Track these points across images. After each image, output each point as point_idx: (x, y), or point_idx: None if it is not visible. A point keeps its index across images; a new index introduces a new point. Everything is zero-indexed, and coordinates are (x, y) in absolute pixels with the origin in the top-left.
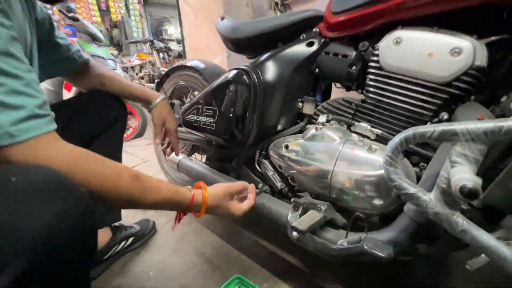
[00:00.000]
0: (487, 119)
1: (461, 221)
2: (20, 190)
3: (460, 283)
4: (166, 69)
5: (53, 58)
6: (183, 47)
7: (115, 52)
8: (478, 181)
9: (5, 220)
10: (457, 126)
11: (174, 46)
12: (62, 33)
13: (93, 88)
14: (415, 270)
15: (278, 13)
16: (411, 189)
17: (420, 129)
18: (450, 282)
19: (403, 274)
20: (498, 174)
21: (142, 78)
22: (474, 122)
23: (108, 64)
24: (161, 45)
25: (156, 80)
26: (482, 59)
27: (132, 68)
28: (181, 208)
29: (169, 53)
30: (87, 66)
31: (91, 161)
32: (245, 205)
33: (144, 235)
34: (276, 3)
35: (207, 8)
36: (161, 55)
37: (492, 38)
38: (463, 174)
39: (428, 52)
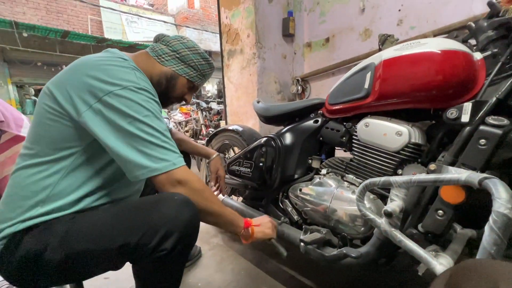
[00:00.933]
0: (417, 174)
1: (399, 235)
2: (178, 203)
3: None
4: (206, 124)
5: None
6: (225, 111)
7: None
8: (395, 208)
9: (174, 215)
10: (391, 178)
11: (214, 106)
12: None
13: None
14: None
15: (299, 87)
16: (371, 215)
17: (372, 180)
18: None
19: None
20: (427, 210)
21: (187, 132)
22: (400, 176)
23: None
24: (205, 105)
25: (206, 139)
26: (415, 138)
27: (180, 123)
28: (235, 231)
29: (210, 112)
30: (170, 133)
31: (207, 188)
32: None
33: (193, 256)
34: (298, 80)
35: (245, 85)
36: (203, 113)
37: (426, 122)
38: (390, 204)
39: (384, 133)
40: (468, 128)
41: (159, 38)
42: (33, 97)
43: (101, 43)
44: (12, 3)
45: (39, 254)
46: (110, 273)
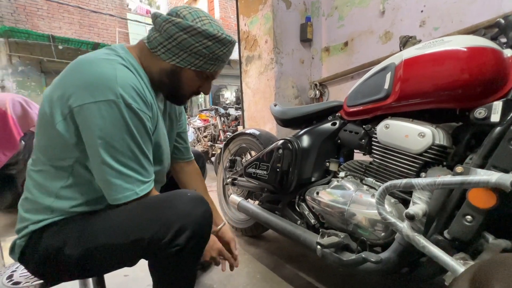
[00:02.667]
0: (442, 176)
1: (422, 240)
2: (191, 199)
3: None
4: (224, 129)
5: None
6: (242, 116)
7: None
8: (418, 211)
9: (188, 211)
10: (413, 180)
11: (232, 111)
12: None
13: (185, 185)
14: None
15: (317, 92)
16: (392, 219)
17: (393, 182)
18: None
19: None
20: (454, 216)
21: (205, 137)
22: (423, 178)
23: None
24: (223, 111)
25: (224, 142)
26: (440, 139)
27: (198, 129)
28: None
29: (228, 117)
30: (189, 163)
31: None
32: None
33: None
34: (316, 84)
35: (263, 90)
36: (222, 118)
37: (452, 124)
38: (412, 207)
39: (405, 134)
40: (498, 128)
41: (153, 21)
42: None
43: None
44: (50, 19)
45: (58, 250)
46: (129, 271)
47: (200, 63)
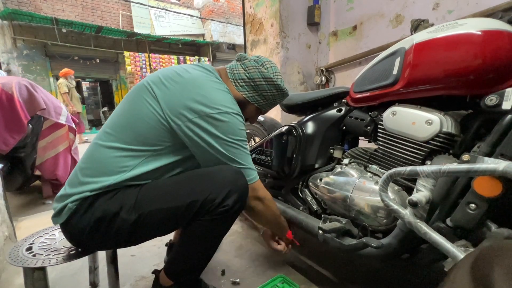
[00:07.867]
0: (448, 164)
1: (423, 227)
2: (237, 170)
3: None
4: None
5: None
6: None
7: None
8: (421, 198)
9: (234, 179)
10: (418, 168)
11: None
12: None
13: None
14: None
15: (323, 78)
16: (394, 206)
17: (398, 169)
18: None
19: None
20: (458, 204)
21: None
22: (428, 166)
23: None
24: None
25: None
26: (448, 127)
27: None
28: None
29: None
30: None
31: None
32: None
33: None
34: (322, 70)
35: None
36: None
37: (461, 112)
38: (415, 194)
39: (412, 121)
40: (510, 116)
41: (241, 59)
42: None
43: (131, 38)
44: (52, 1)
45: (115, 215)
46: (136, 251)
47: (262, 103)
